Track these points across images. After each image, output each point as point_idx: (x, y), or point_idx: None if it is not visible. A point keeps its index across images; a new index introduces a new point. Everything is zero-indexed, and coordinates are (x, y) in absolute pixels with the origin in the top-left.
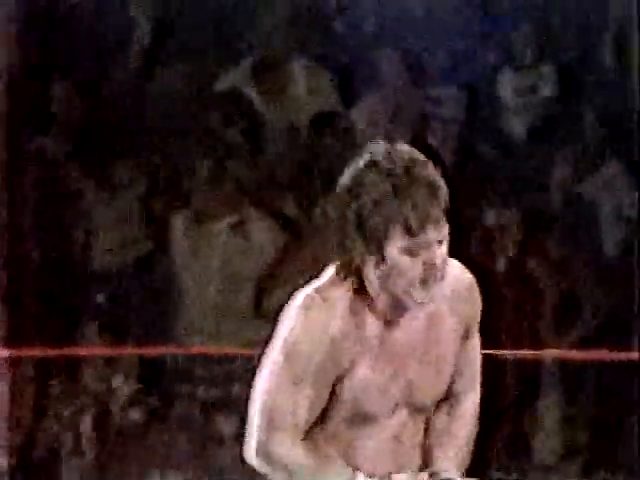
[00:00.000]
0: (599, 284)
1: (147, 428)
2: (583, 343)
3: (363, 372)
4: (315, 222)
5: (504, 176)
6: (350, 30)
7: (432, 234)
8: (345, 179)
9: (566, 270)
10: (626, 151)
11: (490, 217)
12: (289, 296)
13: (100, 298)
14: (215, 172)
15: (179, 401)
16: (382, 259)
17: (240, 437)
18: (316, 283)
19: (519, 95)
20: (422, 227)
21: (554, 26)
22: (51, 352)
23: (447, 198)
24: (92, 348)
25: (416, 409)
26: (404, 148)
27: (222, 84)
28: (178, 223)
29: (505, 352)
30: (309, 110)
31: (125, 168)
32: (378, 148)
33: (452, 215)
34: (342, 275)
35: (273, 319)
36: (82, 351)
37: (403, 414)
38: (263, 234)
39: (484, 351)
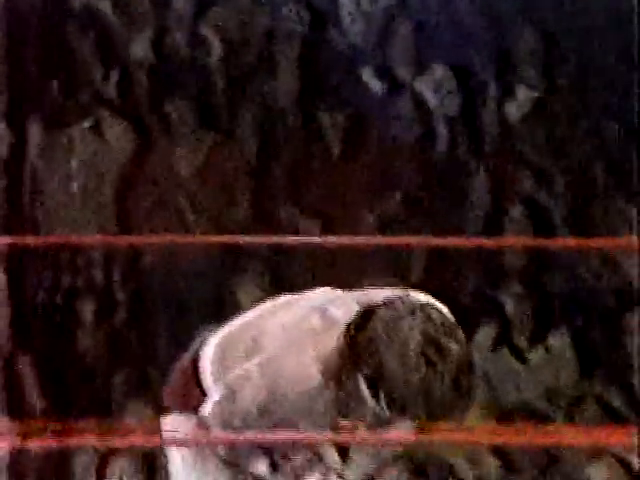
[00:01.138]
0: None
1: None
2: None
3: None
4: (166, 126)
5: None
6: None
7: None
8: None
9: None
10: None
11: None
12: (144, 190)
13: None
14: (70, 81)
15: (42, 289)
16: None
17: (100, 323)
18: None
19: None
20: None
21: None
22: None
23: None
24: None
25: None
26: None
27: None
28: (35, 128)
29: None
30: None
31: None
32: None
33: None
34: None
35: (131, 210)
36: None
37: None
38: (118, 136)
39: None
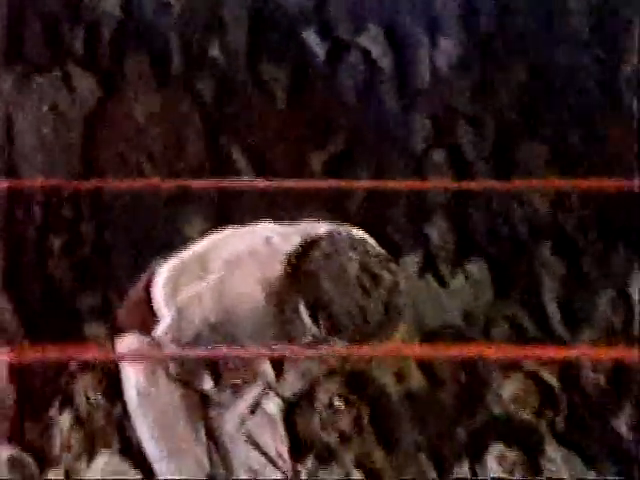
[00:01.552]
0: None
1: None
2: None
3: None
4: (127, 77)
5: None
6: None
7: None
8: None
9: None
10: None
11: None
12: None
13: None
14: (46, 33)
15: (16, 223)
16: None
17: (68, 251)
18: None
19: None
20: None
21: None
22: None
23: None
24: None
25: None
26: None
27: None
28: (9, 77)
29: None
30: None
31: None
32: None
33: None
34: None
35: (95, 151)
36: None
37: None
38: (84, 85)
39: None
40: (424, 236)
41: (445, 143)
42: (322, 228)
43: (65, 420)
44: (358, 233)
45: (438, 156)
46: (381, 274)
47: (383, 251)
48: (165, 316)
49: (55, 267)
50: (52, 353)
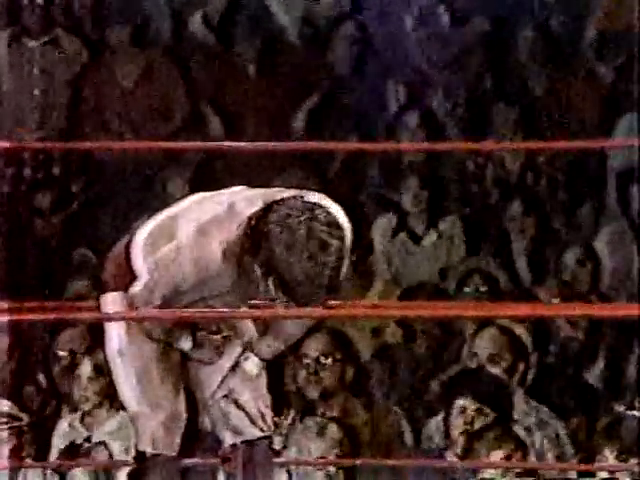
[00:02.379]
0: None
1: None
2: None
3: None
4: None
5: None
6: None
7: None
8: None
9: None
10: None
11: None
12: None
13: None
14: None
15: (5, 180)
16: None
17: (55, 210)
18: None
19: None
20: None
21: None
22: None
23: None
24: None
25: None
26: None
27: None
28: (2, 41)
29: None
30: None
31: None
32: None
33: None
34: None
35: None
36: None
37: None
38: (71, 49)
39: None
40: (398, 196)
41: (418, 105)
42: (285, 193)
43: (85, 369)
44: (316, 199)
45: (411, 120)
46: (329, 241)
47: (338, 218)
48: (140, 277)
49: (44, 225)
50: (36, 312)
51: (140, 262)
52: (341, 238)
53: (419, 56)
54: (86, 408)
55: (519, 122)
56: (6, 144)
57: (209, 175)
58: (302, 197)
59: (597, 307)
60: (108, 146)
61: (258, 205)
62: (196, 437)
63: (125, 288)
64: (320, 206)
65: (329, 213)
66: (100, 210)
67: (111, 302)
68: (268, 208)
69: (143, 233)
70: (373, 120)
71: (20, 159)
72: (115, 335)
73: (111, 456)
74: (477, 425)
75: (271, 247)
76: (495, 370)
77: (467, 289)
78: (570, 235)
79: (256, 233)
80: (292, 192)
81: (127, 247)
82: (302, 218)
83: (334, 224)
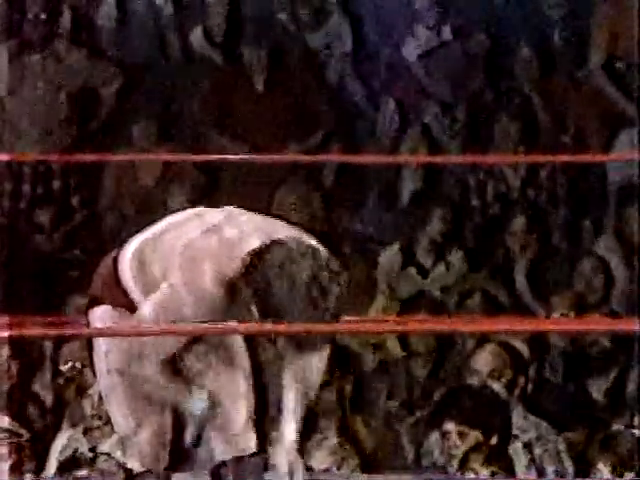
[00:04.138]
0: None
1: None
2: None
3: None
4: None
5: None
6: None
7: None
8: None
9: None
10: None
11: None
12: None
13: None
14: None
15: (5, 196)
16: None
17: (54, 227)
18: None
19: None
20: None
21: None
22: None
23: None
24: None
25: None
26: None
27: None
28: (2, 54)
29: None
30: None
31: None
32: None
33: None
34: None
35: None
36: None
37: None
38: (73, 61)
39: None
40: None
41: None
42: (280, 232)
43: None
44: (313, 242)
45: (413, 133)
46: (329, 287)
47: (334, 261)
48: (142, 304)
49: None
50: (35, 326)
51: (128, 277)
52: (341, 284)
53: (419, 71)
54: (95, 425)
55: (521, 138)
56: (5, 157)
57: (211, 187)
58: (300, 239)
59: (596, 321)
60: (107, 159)
61: (254, 241)
62: (185, 452)
63: (113, 302)
64: (319, 249)
65: (329, 258)
66: (101, 225)
67: (100, 316)
68: (266, 248)
69: (131, 249)
70: (373, 134)
71: (20, 174)
72: (104, 352)
73: (118, 465)
74: (464, 447)
75: (270, 290)
76: (496, 385)
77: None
78: (573, 250)
79: (254, 274)
80: (285, 230)
81: (115, 261)
82: (304, 262)
83: (335, 269)
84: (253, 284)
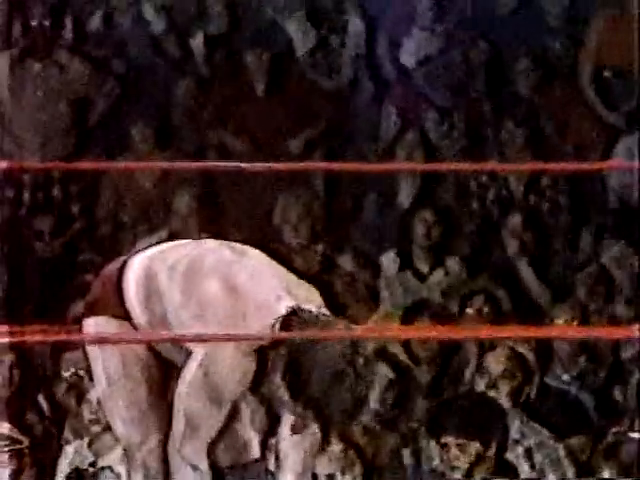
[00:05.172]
0: None
1: None
2: None
3: None
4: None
5: None
6: None
7: None
8: None
9: None
10: None
11: None
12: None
13: None
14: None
15: (5, 204)
16: None
17: (55, 233)
18: None
19: None
20: None
21: None
22: None
23: None
24: None
25: None
26: None
27: None
28: (4, 61)
29: None
30: None
31: None
32: None
33: None
34: None
35: (88, 132)
36: None
37: None
38: (73, 69)
39: None
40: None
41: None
42: (290, 299)
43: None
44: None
45: (410, 137)
46: (365, 373)
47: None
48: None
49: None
50: (35, 334)
51: (132, 294)
52: (374, 371)
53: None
54: (94, 431)
55: (525, 145)
56: (4, 164)
57: (213, 193)
58: (323, 314)
59: (597, 328)
60: (107, 167)
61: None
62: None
63: (108, 310)
64: (350, 327)
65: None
66: (102, 232)
67: (94, 327)
68: (289, 318)
69: (136, 270)
70: (372, 141)
71: (20, 182)
72: (101, 362)
73: None
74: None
75: (301, 373)
76: (495, 393)
77: (469, 310)
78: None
79: (281, 343)
80: (288, 299)
81: (120, 271)
82: (344, 352)
83: (367, 355)
84: (281, 356)
